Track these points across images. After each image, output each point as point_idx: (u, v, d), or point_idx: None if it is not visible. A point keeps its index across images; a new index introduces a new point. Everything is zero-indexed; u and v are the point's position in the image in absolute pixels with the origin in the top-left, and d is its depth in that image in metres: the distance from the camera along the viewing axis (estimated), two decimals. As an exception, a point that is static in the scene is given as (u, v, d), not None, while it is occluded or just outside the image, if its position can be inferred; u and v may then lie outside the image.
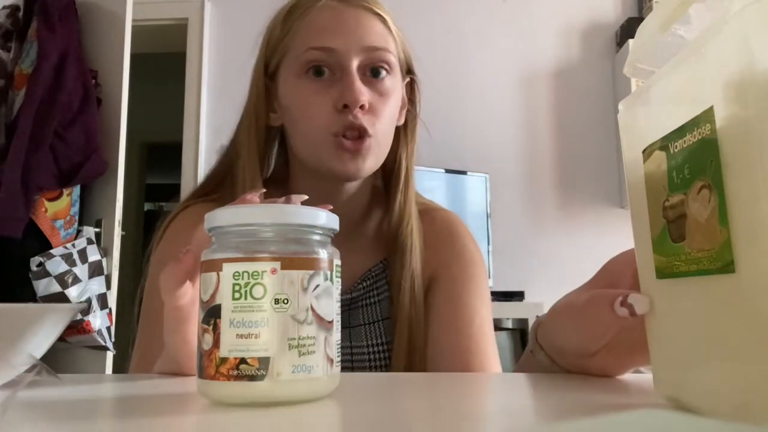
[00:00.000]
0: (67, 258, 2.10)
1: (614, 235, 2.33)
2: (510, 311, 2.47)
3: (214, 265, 0.39)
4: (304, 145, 0.75)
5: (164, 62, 3.57)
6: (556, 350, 0.51)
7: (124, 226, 2.52)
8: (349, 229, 0.79)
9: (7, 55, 2.27)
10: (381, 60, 0.73)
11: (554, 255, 2.76)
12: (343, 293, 0.75)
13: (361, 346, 0.75)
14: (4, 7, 2.31)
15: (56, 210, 2.18)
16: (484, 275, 0.80)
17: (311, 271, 0.39)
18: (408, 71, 0.82)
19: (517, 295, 2.57)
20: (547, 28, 2.96)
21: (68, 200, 2.22)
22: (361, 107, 0.70)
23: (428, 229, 0.80)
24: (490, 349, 0.74)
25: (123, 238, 2.46)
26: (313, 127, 0.72)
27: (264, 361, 0.37)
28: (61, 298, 2.03)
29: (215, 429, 0.35)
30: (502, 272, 2.66)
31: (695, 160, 0.30)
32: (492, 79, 2.94)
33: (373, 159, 0.73)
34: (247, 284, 0.37)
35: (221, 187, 0.79)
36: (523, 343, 2.45)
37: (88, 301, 2.13)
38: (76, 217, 2.25)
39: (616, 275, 0.46)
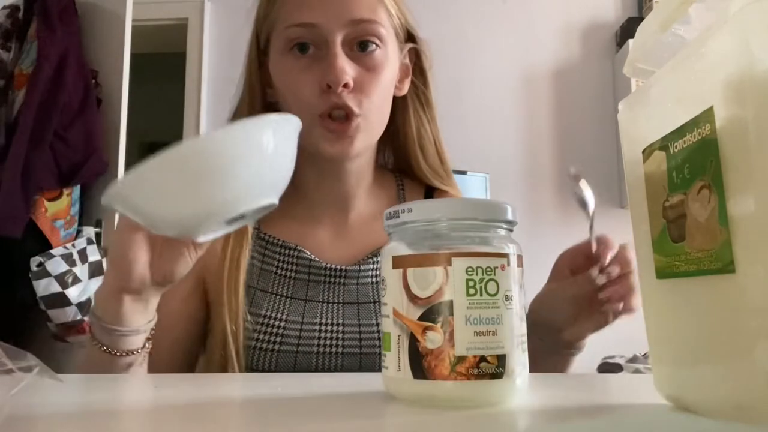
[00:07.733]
0: (67, 258, 2.10)
1: (614, 235, 2.31)
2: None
3: (439, 260, 0.37)
4: None
5: (164, 62, 3.56)
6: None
7: (124, 226, 2.52)
8: (352, 204, 0.79)
9: (7, 55, 2.27)
10: (368, 33, 0.69)
11: (554, 255, 2.75)
12: (350, 263, 0.75)
13: (371, 324, 0.72)
14: (4, 7, 2.30)
15: (56, 210, 2.18)
16: None
17: (521, 268, 0.40)
18: (409, 38, 0.78)
19: (516, 295, 2.56)
20: (547, 29, 2.96)
21: (68, 200, 2.22)
22: (346, 86, 0.67)
23: None
24: None
25: (123, 238, 2.45)
26: (300, 108, 0.69)
27: (502, 359, 0.37)
28: (61, 298, 2.03)
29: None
30: (502, 272, 2.65)
31: (695, 160, 0.30)
32: (492, 79, 2.94)
33: (362, 139, 0.71)
34: (481, 280, 0.37)
35: None
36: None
37: (89, 301, 2.12)
38: (76, 217, 2.25)
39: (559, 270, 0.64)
